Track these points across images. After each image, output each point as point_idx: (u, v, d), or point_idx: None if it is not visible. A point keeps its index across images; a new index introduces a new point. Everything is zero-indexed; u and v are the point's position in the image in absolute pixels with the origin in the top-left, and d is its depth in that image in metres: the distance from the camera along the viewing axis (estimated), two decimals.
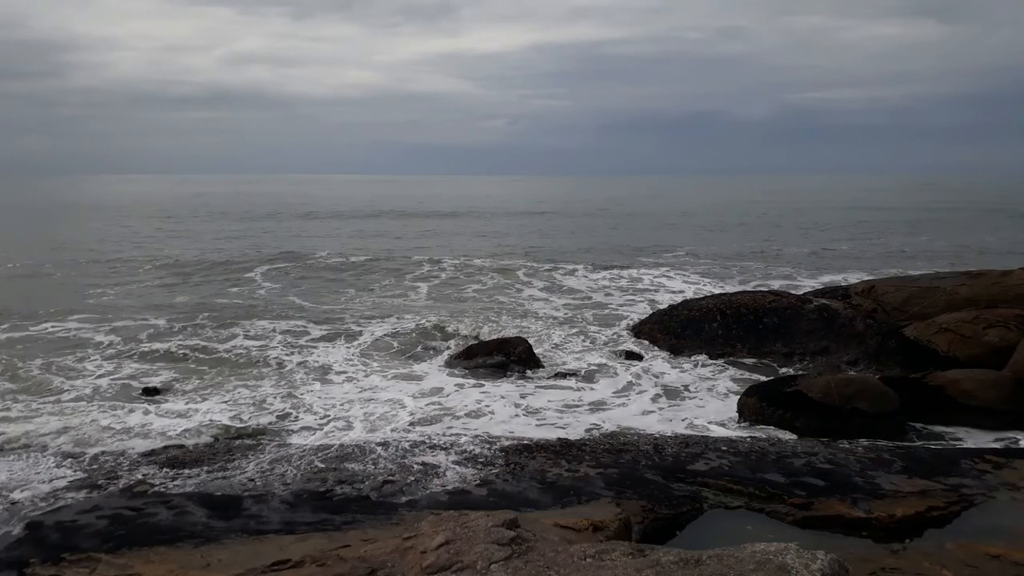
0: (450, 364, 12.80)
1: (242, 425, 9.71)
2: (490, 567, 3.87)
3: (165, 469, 7.71)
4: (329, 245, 31.34)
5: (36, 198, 79.77)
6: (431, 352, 13.64)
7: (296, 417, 10.11)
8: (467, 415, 10.16)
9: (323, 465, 7.66)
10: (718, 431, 9.42)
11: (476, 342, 13.66)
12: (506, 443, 8.30)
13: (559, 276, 22.46)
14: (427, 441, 8.42)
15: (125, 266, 24.80)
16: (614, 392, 11.36)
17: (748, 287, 19.91)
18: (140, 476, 7.50)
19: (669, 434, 8.92)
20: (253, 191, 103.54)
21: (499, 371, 12.21)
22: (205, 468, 7.72)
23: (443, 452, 7.98)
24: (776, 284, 20.87)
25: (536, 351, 12.94)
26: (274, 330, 14.91)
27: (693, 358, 13.11)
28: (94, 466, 7.88)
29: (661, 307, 16.58)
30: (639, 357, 13.15)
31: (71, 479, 7.48)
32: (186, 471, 7.63)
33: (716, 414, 10.19)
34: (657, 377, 12.08)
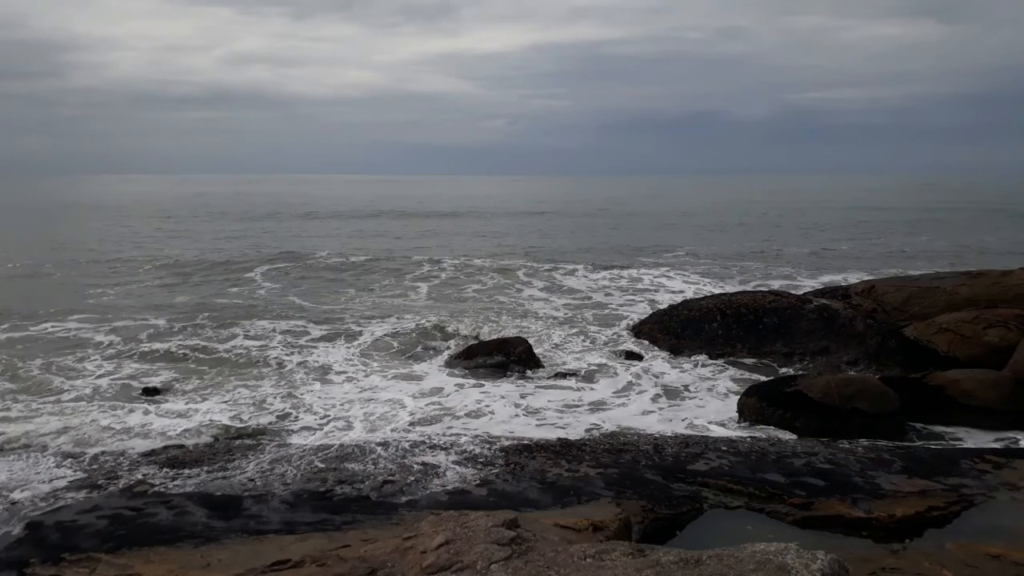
0: (450, 364, 12.80)
1: (242, 425, 9.72)
2: (490, 567, 3.87)
3: (165, 469, 7.71)
4: (329, 245, 31.34)
5: (36, 198, 79.74)
6: (431, 352, 13.64)
7: (296, 417, 10.11)
8: (467, 415, 10.15)
9: (323, 465, 7.66)
10: (718, 431, 9.42)
11: (476, 342, 13.66)
12: (506, 443, 8.30)
13: (559, 276, 22.46)
14: (427, 441, 8.41)
15: (125, 266, 24.80)
16: (614, 392, 11.36)
17: (748, 287, 19.91)
18: (140, 476, 7.50)
19: (669, 434, 8.91)
20: (253, 191, 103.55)
21: (499, 371, 12.21)
22: (205, 468, 7.72)
23: (443, 452, 7.98)
24: (776, 284, 20.87)
25: (536, 351, 12.94)
26: (274, 330, 14.92)
27: (693, 358, 13.11)
28: (94, 466, 7.88)
29: (661, 307, 16.58)
30: (639, 357, 13.15)
31: (71, 479, 7.48)
32: (186, 471, 7.63)
33: (716, 414, 10.19)
34: (657, 377, 12.08)
